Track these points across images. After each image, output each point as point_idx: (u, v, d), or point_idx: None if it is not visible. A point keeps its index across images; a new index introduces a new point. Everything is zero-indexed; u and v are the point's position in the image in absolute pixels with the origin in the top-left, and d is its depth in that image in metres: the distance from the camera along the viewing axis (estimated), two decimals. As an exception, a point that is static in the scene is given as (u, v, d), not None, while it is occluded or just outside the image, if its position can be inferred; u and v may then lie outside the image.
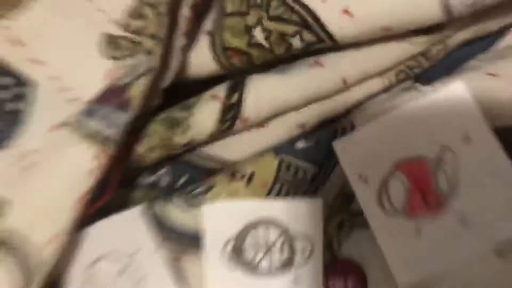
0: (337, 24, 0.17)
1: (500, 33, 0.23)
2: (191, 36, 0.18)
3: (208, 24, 0.19)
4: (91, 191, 0.16)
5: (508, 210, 0.19)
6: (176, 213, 0.19)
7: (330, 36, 0.18)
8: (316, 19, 0.18)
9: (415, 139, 0.20)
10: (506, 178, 0.19)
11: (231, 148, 0.20)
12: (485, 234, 0.19)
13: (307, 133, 0.20)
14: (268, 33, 0.18)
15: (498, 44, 0.22)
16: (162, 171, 0.20)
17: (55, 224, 0.16)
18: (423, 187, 0.19)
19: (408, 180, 0.19)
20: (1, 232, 0.16)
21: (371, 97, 0.21)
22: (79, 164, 0.16)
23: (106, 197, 0.16)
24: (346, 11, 0.17)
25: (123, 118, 0.16)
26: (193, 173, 0.20)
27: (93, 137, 0.16)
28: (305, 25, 0.18)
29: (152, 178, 0.20)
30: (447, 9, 0.17)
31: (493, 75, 0.21)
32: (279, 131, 0.20)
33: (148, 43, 0.17)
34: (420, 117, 0.20)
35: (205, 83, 0.20)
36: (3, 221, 0.16)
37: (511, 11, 0.21)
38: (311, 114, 0.20)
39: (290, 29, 0.18)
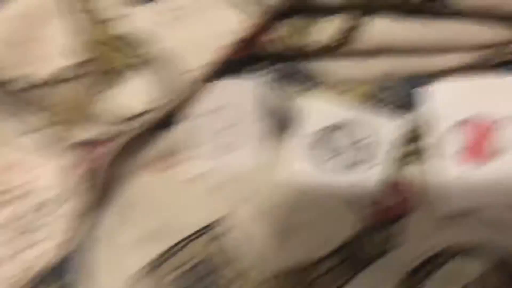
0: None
1: None
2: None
3: None
4: (235, 45, 0.20)
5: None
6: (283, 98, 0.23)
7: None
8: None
9: (487, 102, 0.23)
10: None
11: (332, 71, 0.24)
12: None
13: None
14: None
15: None
16: (274, 67, 0.24)
17: (201, 56, 0.20)
18: (480, 141, 0.23)
19: (470, 133, 0.23)
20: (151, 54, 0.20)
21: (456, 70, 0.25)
22: (224, 24, 0.20)
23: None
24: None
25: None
26: (299, 79, 0.24)
27: (239, 7, 0.21)
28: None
29: (256, 74, 0.24)
30: None
31: None
32: (384, 66, 0.24)
33: None
34: (497, 86, 0.23)
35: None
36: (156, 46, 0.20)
37: None
38: (399, 67, 0.24)
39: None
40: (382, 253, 0.22)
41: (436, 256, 0.21)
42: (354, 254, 0.21)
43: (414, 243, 0.21)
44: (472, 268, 0.21)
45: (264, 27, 0.22)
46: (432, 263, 0.21)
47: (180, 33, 0.21)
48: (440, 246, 0.22)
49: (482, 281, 0.21)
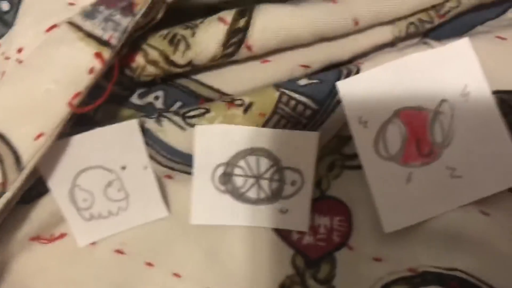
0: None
1: (510, 2, 0.23)
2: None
3: None
4: (85, 91, 0.15)
5: (495, 167, 0.19)
6: (171, 130, 0.18)
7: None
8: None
9: (417, 89, 0.19)
10: (497, 137, 0.19)
11: (231, 81, 0.20)
12: (472, 187, 0.19)
13: (310, 74, 0.20)
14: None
15: (508, 13, 0.23)
16: (157, 93, 0.20)
17: (44, 120, 0.15)
18: (419, 137, 0.20)
19: (405, 128, 0.20)
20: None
21: (379, 48, 0.21)
22: (78, 61, 0.15)
23: (99, 101, 0.16)
24: None
25: (125, 22, 0.16)
26: (189, 100, 0.20)
27: (92, 38, 0.16)
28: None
29: (145, 100, 0.20)
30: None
31: (502, 38, 0.21)
32: (281, 68, 0.20)
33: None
34: (424, 69, 0.19)
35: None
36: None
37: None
38: (316, 56, 0.20)
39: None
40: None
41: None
42: None
43: (360, 275, 0.19)
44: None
45: (129, 53, 0.17)
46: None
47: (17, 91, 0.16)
48: (399, 270, 0.19)
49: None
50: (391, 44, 0.21)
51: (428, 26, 0.21)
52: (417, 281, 0.18)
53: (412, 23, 0.20)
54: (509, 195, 0.19)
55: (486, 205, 0.19)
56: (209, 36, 0.18)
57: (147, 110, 0.20)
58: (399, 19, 0.20)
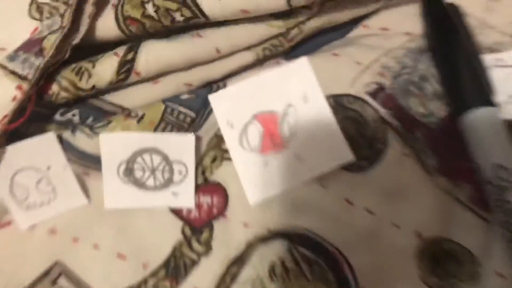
0: (207, 5, 0.23)
1: (353, 25, 0.29)
2: (99, 6, 0.24)
3: (113, -2, 0.25)
4: (11, 113, 0.21)
5: (329, 151, 0.25)
6: (82, 139, 0.25)
7: (203, 13, 0.24)
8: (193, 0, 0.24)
9: (269, 97, 0.26)
10: (329, 128, 0.25)
11: (129, 98, 0.26)
12: (312, 167, 0.26)
13: (191, 90, 0.27)
14: (157, 7, 0.24)
15: (350, 34, 0.29)
16: (74, 111, 0.26)
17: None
18: (272, 133, 0.26)
19: (262, 127, 0.26)
20: None
21: (247, 67, 0.27)
22: (4, 91, 0.21)
23: (22, 119, 0.22)
24: (216, -4, 0.24)
25: (37, 62, 0.22)
26: (98, 115, 0.26)
27: (14, 74, 0.22)
28: (184, 3, 0.24)
29: (65, 117, 0.26)
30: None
31: (336, 55, 0.28)
32: (169, 87, 0.26)
33: (62, 8, 0.22)
34: (274, 82, 0.26)
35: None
36: None
37: (357, 6, 0.28)
38: (196, 77, 0.27)
39: (173, 6, 0.24)
40: (206, 251, 0.25)
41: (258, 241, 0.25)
42: (175, 266, 0.24)
43: (232, 236, 0.25)
44: (280, 250, 0.24)
45: (45, 84, 0.23)
46: (249, 253, 0.25)
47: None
48: (263, 231, 0.25)
49: (292, 261, 0.24)
50: (259, 63, 0.28)
51: (280, 49, 0.27)
52: (270, 237, 0.24)
53: (266, 48, 0.27)
54: (340, 171, 0.25)
55: (325, 179, 0.26)
56: (105, 66, 0.24)
57: (68, 125, 0.26)
58: (254, 46, 0.26)
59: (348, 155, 0.25)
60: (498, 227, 0.23)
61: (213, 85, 0.26)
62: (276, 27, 0.25)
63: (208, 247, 0.25)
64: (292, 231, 0.25)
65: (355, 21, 0.29)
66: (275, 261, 0.24)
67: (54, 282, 0.24)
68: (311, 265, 0.23)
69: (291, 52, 0.28)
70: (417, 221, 0.24)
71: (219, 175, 0.26)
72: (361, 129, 0.25)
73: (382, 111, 0.26)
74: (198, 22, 0.24)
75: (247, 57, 0.27)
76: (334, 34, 0.29)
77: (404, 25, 0.28)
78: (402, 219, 0.24)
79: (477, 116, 0.24)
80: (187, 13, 0.24)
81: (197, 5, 0.23)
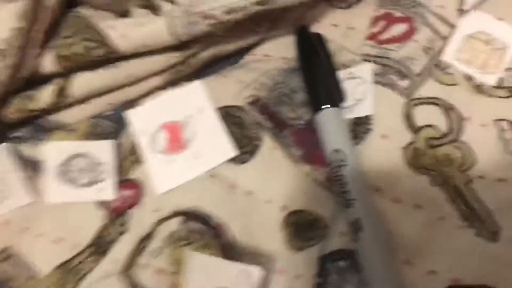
0: (120, 43, 0.32)
1: (245, 53, 0.37)
2: (43, 47, 0.32)
3: (51, 42, 0.33)
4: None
5: (217, 149, 0.33)
6: (30, 148, 0.32)
7: (118, 50, 0.32)
8: (111, 40, 0.32)
9: (173, 110, 0.34)
10: (216, 131, 0.33)
11: (68, 116, 0.34)
12: (206, 162, 0.33)
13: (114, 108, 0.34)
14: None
15: (241, 61, 0.37)
16: (26, 129, 0.34)
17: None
18: (176, 137, 0.33)
19: (168, 134, 0.33)
20: None
21: (156, 89, 0.35)
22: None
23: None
24: (123, 35, 0.32)
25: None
26: (45, 130, 0.34)
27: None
28: (103, 42, 0.32)
29: (18, 134, 0.34)
30: (175, 36, 0.32)
31: (224, 76, 0.35)
32: (98, 106, 0.34)
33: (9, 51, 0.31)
34: (176, 99, 0.34)
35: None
36: None
37: (239, 40, 0.36)
38: (117, 98, 0.34)
39: (91, 44, 0.32)
40: (124, 231, 0.31)
41: (162, 220, 0.32)
42: (100, 244, 0.31)
43: (144, 219, 0.31)
44: (176, 224, 0.31)
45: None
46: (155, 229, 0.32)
47: None
48: (167, 213, 0.32)
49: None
50: (169, 85, 0.36)
51: (184, 74, 0.35)
52: (171, 216, 0.31)
53: (172, 72, 0.35)
54: (228, 163, 0.32)
55: (215, 170, 0.32)
56: (47, 93, 0.32)
57: (20, 140, 0.34)
58: (163, 72, 0.34)
59: (233, 151, 0.32)
60: (338, 196, 0.29)
61: (131, 103, 0.34)
62: (175, 57, 0.33)
63: (126, 228, 0.31)
64: (187, 210, 0.31)
65: (246, 50, 0.37)
66: (172, 232, 0.30)
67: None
68: (201, 234, 0.30)
69: (196, 76, 0.36)
70: (285, 198, 0.31)
71: (135, 173, 0.33)
72: (243, 131, 0.33)
73: (258, 116, 0.33)
74: (116, 56, 0.33)
75: (158, 80, 0.34)
76: (230, 61, 0.37)
77: (281, 52, 0.36)
78: (274, 197, 0.31)
79: (324, 114, 0.31)
80: (106, 49, 0.32)
81: (112, 44, 0.32)
